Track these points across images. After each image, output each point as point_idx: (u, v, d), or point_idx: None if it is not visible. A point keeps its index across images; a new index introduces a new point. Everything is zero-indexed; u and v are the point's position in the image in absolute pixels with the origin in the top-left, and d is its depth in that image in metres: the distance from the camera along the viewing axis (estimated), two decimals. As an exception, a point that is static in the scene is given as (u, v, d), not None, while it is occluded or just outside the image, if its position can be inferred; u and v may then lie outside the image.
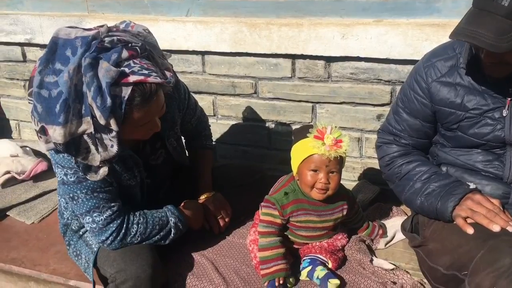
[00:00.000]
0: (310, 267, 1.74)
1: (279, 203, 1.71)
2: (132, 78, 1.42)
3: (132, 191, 1.78)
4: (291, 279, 1.72)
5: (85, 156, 1.50)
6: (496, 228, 1.43)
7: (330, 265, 1.77)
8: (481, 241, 1.41)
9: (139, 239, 1.69)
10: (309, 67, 2.19)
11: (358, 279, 1.73)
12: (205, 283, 1.77)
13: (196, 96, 2.43)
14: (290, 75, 2.24)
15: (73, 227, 1.88)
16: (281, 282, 1.65)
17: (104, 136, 1.47)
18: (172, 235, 1.75)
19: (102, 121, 1.41)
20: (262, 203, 1.77)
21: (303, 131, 1.66)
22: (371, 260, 1.78)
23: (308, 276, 1.74)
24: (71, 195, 1.65)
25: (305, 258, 1.79)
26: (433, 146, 1.80)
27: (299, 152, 1.68)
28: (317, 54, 2.12)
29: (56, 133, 1.42)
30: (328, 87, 2.19)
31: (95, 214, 1.65)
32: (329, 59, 2.14)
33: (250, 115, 2.40)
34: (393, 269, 1.76)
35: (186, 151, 2.12)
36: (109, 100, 1.38)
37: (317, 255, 1.78)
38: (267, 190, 1.86)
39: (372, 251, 1.88)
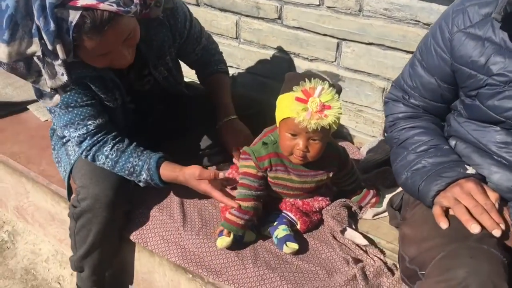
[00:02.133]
0: (274, 223, 1.56)
1: (255, 154, 1.51)
2: (81, 2, 1.22)
3: (113, 114, 1.67)
4: (251, 231, 1.57)
5: (36, 79, 1.35)
6: (475, 229, 1.12)
7: (298, 227, 1.58)
8: (447, 240, 1.13)
9: (108, 169, 1.61)
10: (339, -5, 1.85)
11: (321, 248, 1.52)
12: (165, 216, 1.67)
13: (221, 14, 2.22)
14: (318, 3, 1.92)
15: (58, 133, 1.85)
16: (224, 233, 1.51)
17: (54, 62, 1.31)
18: (141, 185, 1.63)
19: (49, 46, 1.26)
20: (241, 155, 1.59)
21: (296, 80, 1.37)
22: (343, 230, 1.55)
23: (269, 233, 1.57)
24: (48, 107, 1.58)
25: (273, 212, 1.60)
26: (451, 112, 1.45)
27: (280, 107, 1.42)
28: (349, -19, 1.78)
29: (1, 51, 1.26)
30: (357, 23, 1.85)
31: (71, 130, 1.58)
32: (362, -11, 1.79)
33: (272, 43, 2.14)
34: (366, 245, 1.52)
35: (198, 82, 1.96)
36: (52, 24, 1.21)
37: (286, 212, 1.59)
38: (261, 126, 1.65)
39: (355, 220, 1.64)
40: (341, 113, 1.35)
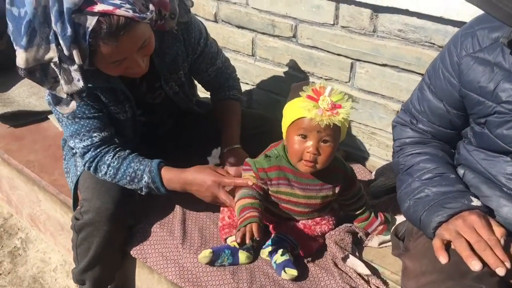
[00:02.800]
0: (274, 246, 1.52)
1: (256, 165, 1.48)
2: (98, 7, 1.23)
3: (122, 126, 1.68)
4: (248, 254, 1.53)
5: (52, 85, 1.37)
6: (475, 266, 1.05)
7: (299, 251, 1.53)
8: (445, 276, 1.06)
9: (109, 179, 1.61)
10: (354, 15, 1.81)
11: (321, 275, 1.47)
12: (165, 233, 1.66)
13: (238, 31, 2.22)
14: (332, 22, 1.88)
15: (69, 144, 1.87)
16: (255, 234, 1.30)
17: (70, 68, 1.33)
18: (143, 192, 1.61)
19: (65, 51, 1.27)
20: (243, 166, 1.56)
21: (302, 88, 1.36)
22: (346, 258, 1.49)
23: (269, 256, 1.53)
24: (57, 116, 1.60)
25: (274, 235, 1.56)
26: (462, 139, 1.39)
27: (288, 112, 1.41)
28: (363, 1, 1.74)
29: (19, 56, 1.29)
30: (371, 44, 1.81)
31: (76, 140, 1.59)
32: (376, 9, 1.74)
33: (286, 62, 2.11)
34: (368, 275, 1.45)
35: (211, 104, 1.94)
36: (69, 29, 1.22)
37: (287, 236, 1.54)
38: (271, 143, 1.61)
39: (360, 247, 1.58)
40: (349, 114, 1.34)
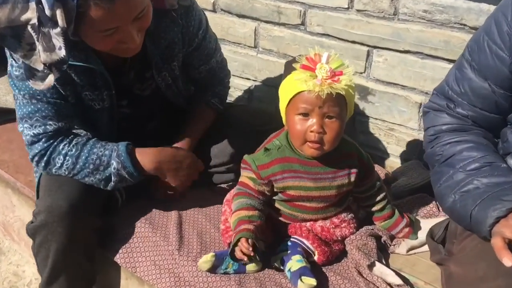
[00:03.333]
0: (287, 252, 1.30)
1: (255, 162, 1.29)
2: None
3: (97, 116, 1.46)
4: (254, 264, 1.31)
5: (27, 53, 1.15)
6: (551, 267, 0.85)
7: (316, 258, 1.31)
8: (515, 282, 0.85)
9: (66, 173, 1.38)
10: (372, -4, 1.63)
11: (344, 286, 1.25)
12: (158, 238, 1.43)
13: (238, 21, 2.03)
14: (346, 6, 1.70)
15: (18, 129, 1.62)
16: (244, 245, 1.19)
17: (51, 32, 1.11)
18: (112, 182, 1.38)
19: (47, 11, 1.06)
20: (241, 164, 1.36)
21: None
22: (371, 265, 1.27)
23: (281, 264, 1.31)
24: (14, 93, 1.38)
25: (287, 239, 1.34)
26: (508, 126, 1.19)
27: (284, 90, 1.23)
28: (383, -21, 1.57)
29: None
30: (392, 28, 1.62)
31: (26, 125, 1.36)
32: (398, -12, 1.57)
33: (293, 52, 1.92)
34: (400, 285, 1.24)
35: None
36: None
37: (302, 240, 1.32)
38: None
39: (385, 254, 1.36)
40: (352, 80, 1.17)
